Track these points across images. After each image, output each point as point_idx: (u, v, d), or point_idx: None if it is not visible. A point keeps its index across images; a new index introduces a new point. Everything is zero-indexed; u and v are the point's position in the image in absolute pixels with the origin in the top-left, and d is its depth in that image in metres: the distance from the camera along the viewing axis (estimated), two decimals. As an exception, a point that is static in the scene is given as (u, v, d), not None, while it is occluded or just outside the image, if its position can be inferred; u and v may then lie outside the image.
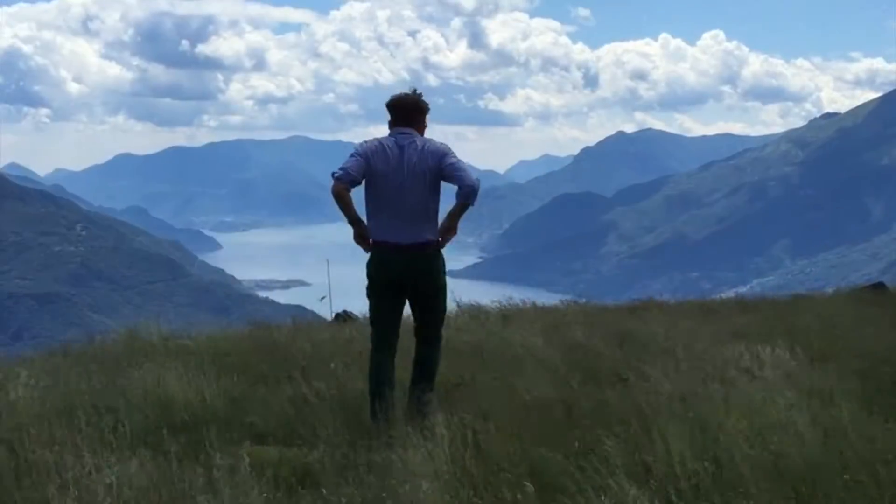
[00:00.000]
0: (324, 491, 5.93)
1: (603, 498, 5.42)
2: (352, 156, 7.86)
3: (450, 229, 7.93)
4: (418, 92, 8.13)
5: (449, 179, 7.76)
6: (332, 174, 7.78)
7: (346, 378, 8.83)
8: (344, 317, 14.86)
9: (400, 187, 7.73)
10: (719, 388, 7.25)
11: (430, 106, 8.16)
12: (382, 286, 8.00)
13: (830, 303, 15.23)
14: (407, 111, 7.99)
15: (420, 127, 8.02)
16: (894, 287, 17.50)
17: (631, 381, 8.34)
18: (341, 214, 7.90)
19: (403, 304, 8.15)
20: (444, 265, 8.08)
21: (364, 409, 7.61)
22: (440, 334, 8.35)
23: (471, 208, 7.84)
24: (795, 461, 5.69)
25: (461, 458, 6.02)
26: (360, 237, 8.01)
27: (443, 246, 7.98)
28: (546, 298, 19.08)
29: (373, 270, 7.99)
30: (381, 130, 8.05)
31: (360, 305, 16.23)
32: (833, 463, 5.73)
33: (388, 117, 8.07)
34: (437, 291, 8.10)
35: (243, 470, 6.11)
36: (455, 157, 7.81)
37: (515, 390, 7.78)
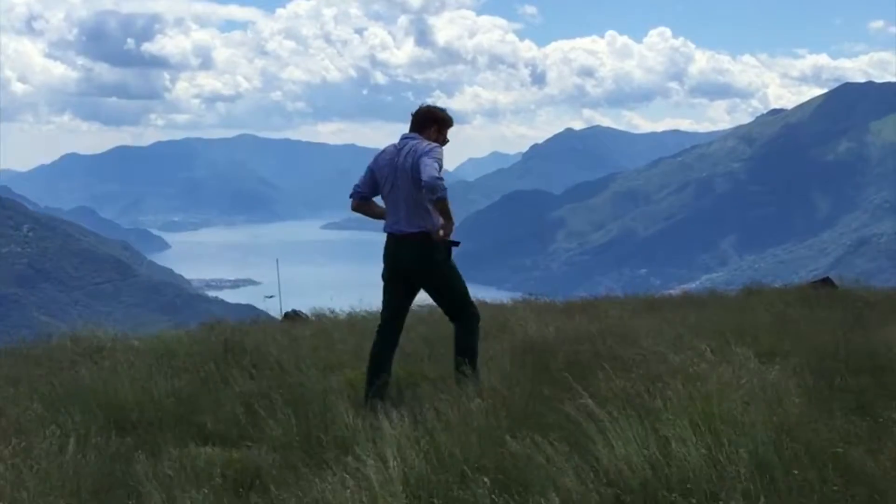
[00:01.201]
0: (272, 491, 5.89)
1: (554, 495, 5.41)
2: (365, 172, 8.84)
3: (443, 224, 8.44)
4: (439, 107, 8.99)
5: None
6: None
7: (296, 377, 8.77)
8: (293, 315, 14.82)
9: (393, 184, 8.50)
10: (668, 384, 7.25)
11: (450, 119, 8.96)
12: (387, 274, 8.81)
13: (779, 298, 15.31)
14: (416, 120, 8.80)
15: (428, 134, 8.67)
16: (842, 283, 17.63)
17: (581, 379, 8.34)
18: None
19: (406, 294, 8.82)
20: (439, 253, 8.52)
21: (313, 408, 7.56)
22: (466, 313, 8.79)
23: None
24: (744, 457, 5.71)
25: (412, 457, 5.99)
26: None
27: (447, 235, 8.49)
28: (496, 296, 19.11)
29: (383, 260, 8.79)
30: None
31: (309, 304, 16.21)
32: (781, 458, 5.75)
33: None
34: (435, 275, 8.61)
35: (191, 470, 6.06)
36: (431, 155, 8.24)
37: (466, 388, 7.75)
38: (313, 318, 14.72)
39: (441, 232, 8.43)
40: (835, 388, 7.76)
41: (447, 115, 8.98)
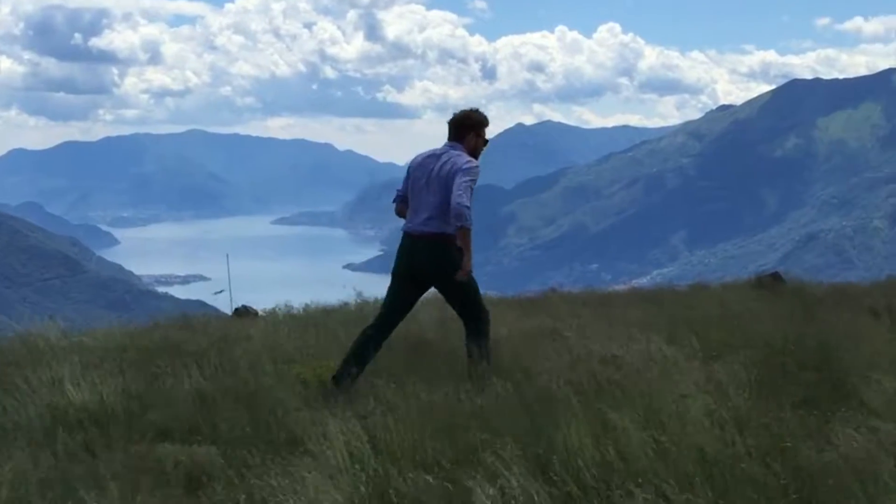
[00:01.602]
0: (223, 486, 5.87)
1: (504, 491, 5.43)
2: (405, 174, 9.07)
3: (464, 253, 8.54)
4: (473, 109, 9.16)
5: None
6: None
7: (247, 373, 8.74)
8: (244, 311, 14.75)
9: (425, 188, 8.72)
10: (617, 378, 7.30)
11: (486, 119, 9.18)
12: (397, 270, 8.94)
13: (728, 293, 15.44)
14: (454, 128, 8.97)
15: (468, 141, 8.92)
16: (790, 277, 17.79)
17: (531, 373, 8.37)
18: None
19: (413, 293, 9.02)
20: (454, 257, 8.56)
21: (264, 404, 7.54)
22: (475, 315, 8.92)
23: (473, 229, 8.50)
24: (692, 451, 5.75)
25: (358, 454, 5.99)
26: None
27: (466, 269, 8.54)
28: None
29: (397, 257, 8.98)
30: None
31: (260, 300, 16.15)
32: (729, 452, 5.80)
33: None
34: (450, 277, 8.63)
35: (141, 467, 6.02)
36: (467, 175, 8.50)
37: (413, 385, 7.76)
38: (264, 313, 14.65)
39: (461, 271, 8.55)
40: (783, 382, 7.81)
41: (482, 115, 9.16)
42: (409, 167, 9.06)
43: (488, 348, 8.84)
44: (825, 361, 8.48)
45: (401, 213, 9.12)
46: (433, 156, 8.85)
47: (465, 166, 8.55)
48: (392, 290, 9.02)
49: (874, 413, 6.70)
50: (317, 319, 12.83)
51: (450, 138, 8.96)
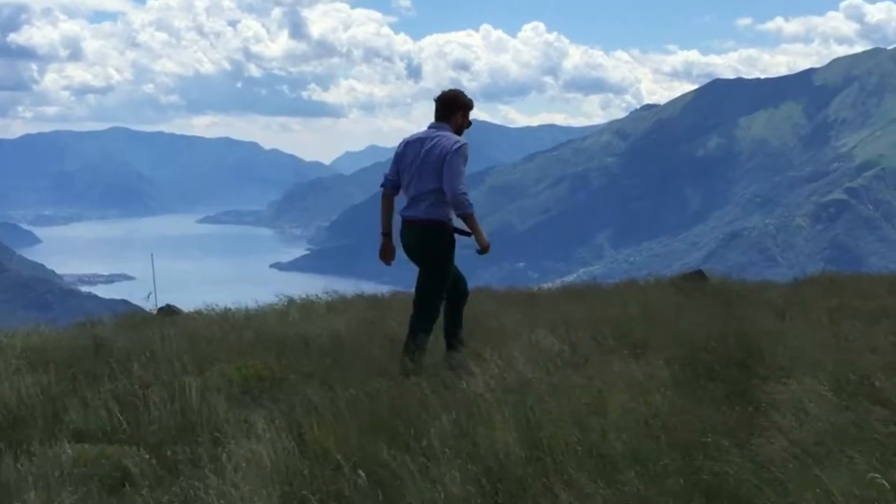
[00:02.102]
0: (144, 490, 5.82)
1: (433, 486, 5.44)
2: (392, 160, 9.27)
3: (479, 239, 9.05)
4: (460, 90, 9.32)
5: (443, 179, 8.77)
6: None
7: (171, 373, 8.67)
8: (168, 310, 14.64)
9: (413, 174, 8.97)
10: (542, 376, 7.34)
11: (472, 102, 9.32)
12: (405, 253, 9.31)
13: (652, 291, 15.56)
14: (442, 105, 9.17)
15: (454, 119, 9.13)
16: (714, 275, 17.98)
17: (458, 371, 8.38)
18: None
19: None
20: (442, 243, 9.06)
21: (188, 404, 7.48)
22: (418, 308, 9.29)
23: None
24: (615, 447, 5.80)
25: (285, 453, 5.98)
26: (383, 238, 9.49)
27: (485, 250, 9.06)
28: (375, 289, 19.10)
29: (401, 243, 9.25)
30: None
31: (185, 299, 16.03)
32: (652, 448, 5.86)
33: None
34: (428, 262, 9.15)
35: (61, 468, 5.96)
36: (458, 159, 8.78)
37: (340, 382, 7.75)
38: (188, 312, 14.54)
39: (479, 249, 9.04)
40: (705, 379, 7.89)
41: (469, 98, 9.33)
42: (396, 152, 9.24)
43: (421, 334, 9.10)
44: (747, 358, 8.59)
45: (386, 200, 9.39)
46: (419, 140, 9.02)
47: (454, 148, 8.76)
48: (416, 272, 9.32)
49: (792, 409, 6.79)
50: (241, 318, 12.76)
51: (437, 117, 9.15)
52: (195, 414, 7.27)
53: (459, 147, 8.82)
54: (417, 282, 9.34)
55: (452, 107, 9.18)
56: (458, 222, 9.12)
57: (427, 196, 8.93)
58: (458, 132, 9.15)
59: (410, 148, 9.07)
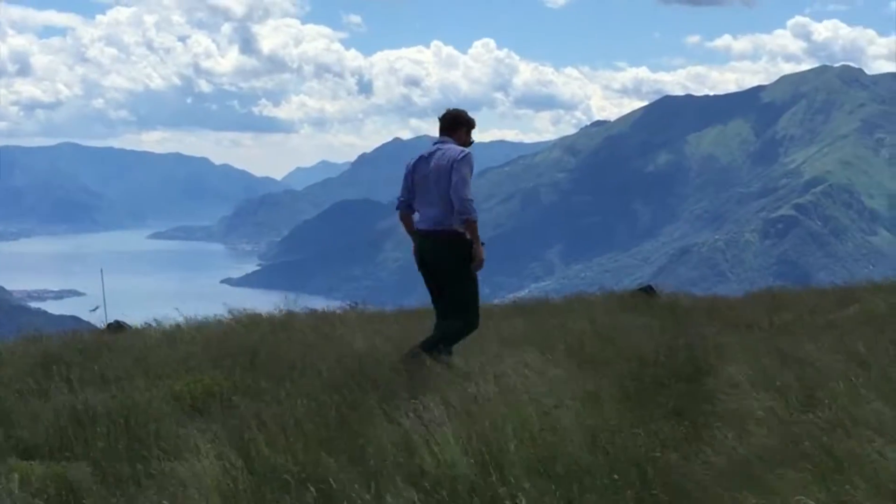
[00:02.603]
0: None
1: (380, 501, 5.43)
2: (403, 180, 9.65)
3: (475, 250, 9.41)
4: (463, 110, 9.78)
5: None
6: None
7: (119, 388, 8.61)
8: (117, 326, 14.53)
9: (426, 188, 9.37)
10: (491, 390, 7.34)
11: (473, 121, 9.78)
12: (418, 265, 9.66)
13: (602, 306, 15.62)
14: (447, 123, 9.66)
15: (458, 136, 9.59)
16: (663, 290, 18.08)
17: (407, 386, 8.37)
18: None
19: (440, 283, 9.58)
20: (461, 253, 9.34)
21: (137, 420, 7.43)
22: (459, 314, 9.46)
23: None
24: (564, 462, 5.81)
25: (231, 469, 5.95)
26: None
27: (478, 260, 9.43)
28: (326, 305, 19.03)
29: (414, 255, 9.66)
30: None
31: (134, 314, 15.90)
32: (601, 463, 5.88)
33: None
34: (451, 274, 9.39)
35: (9, 485, 5.90)
36: (464, 167, 9.18)
37: (289, 397, 7.73)
38: (137, 328, 14.44)
39: (474, 262, 9.40)
40: (654, 393, 7.93)
41: (472, 118, 9.79)
42: (406, 172, 9.62)
43: (449, 340, 9.39)
44: (695, 373, 8.65)
45: (404, 219, 9.82)
46: (425, 157, 9.48)
47: (459, 157, 9.21)
48: (427, 285, 9.75)
49: (739, 424, 6.84)
50: (190, 334, 12.67)
51: (441, 133, 9.63)
52: (143, 430, 7.21)
53: (465, 155, 9.28)
54: (449, 298, 9.53)
55: (457, 123, 9.65)
56: None
57: (439, 208, 9.31)
58: (459, 143, 9.56)
59: (419, 164, 9.50)
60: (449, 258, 9.37)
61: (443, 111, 9.73)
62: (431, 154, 9.45)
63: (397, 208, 9.82)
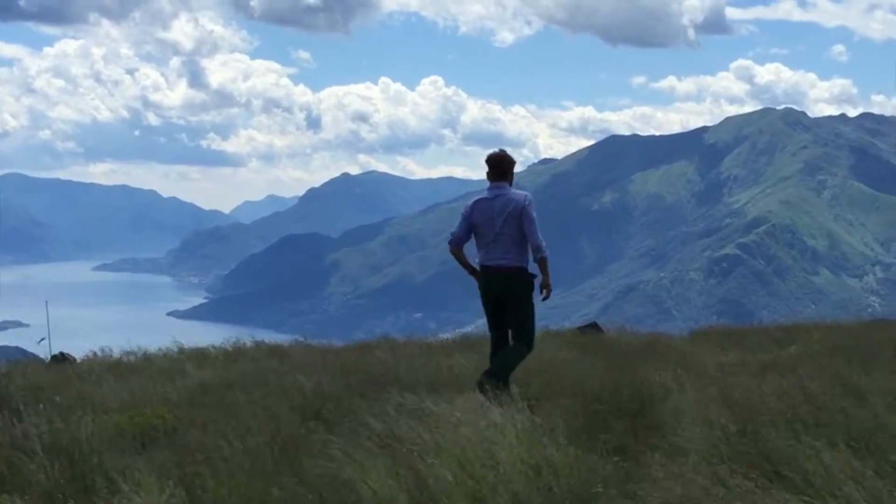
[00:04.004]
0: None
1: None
2: (460, 220, 10.39)
3: (545, 281, 10.26)
4: (504, 150, 10.57)
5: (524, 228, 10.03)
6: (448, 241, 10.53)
7: (61, 420, 8.54)
8: (61, 358, 14.45)
9: (491, 228, 10.11)
10: (433, 426, 7.38)
11: (514, 160, 10.57)
12: (484, 299, 10.46)
13: (548, 343, 15.68)
14: (499, 166, 10.35)
15: (511, 177, 10.42)
16: (608, 327, 18.21)
17: (344, 423, 8.39)
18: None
19: (499, 312, 10.40)
20: (528, 286, 10.16)
21: (81, 452, 7.39)
22: (524, 339, 10.26)
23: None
24: (505, 498, 5.85)
25: (177, 501, 5.95)
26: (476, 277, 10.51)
27: (547, 289, 10.25)
28: (273, 339, 19.00)
29: (480, 289, 10.43)
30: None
31: (80, 347, 15.81)
32: (543, 499, 5.92)
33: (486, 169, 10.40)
34: (519, 303, 10.18)
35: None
36: (532, 211, 10.07)
37: (234, 431, 7.73)
38: (81, 360, 14.36)
39: (544, 291, 10.21)
40: (598, 429, 7.99)
41: (513, 157, 10.58)
42: (466, 213, 10.34)
43: (513, 368, 10.17)
44: (639, 409, 8.73)
45: (456, 254, 10.50)
46: (486, 199, 10.25)
47: (527, 202, 10.09)
48: (488, 315, 10.54)
49: (683, 460, 6.92)
50: (136, 367, 12.63)
51: (493, 177, 10.33)
52: (86, 463, 7.18)
53: (531, 200, 10.18)
54: (517, 324, 10.29)
55: (508, 165, 10.42)
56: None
57: (506, 245, 10.07)
58: (510, 184, 10.38)
59: (480, 205, 10.26)
60: (519, 290, 10.14)
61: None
62: (493, 198, 10.19)
63: (450, 242, 10.49)
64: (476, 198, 10.47)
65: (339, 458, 6.75)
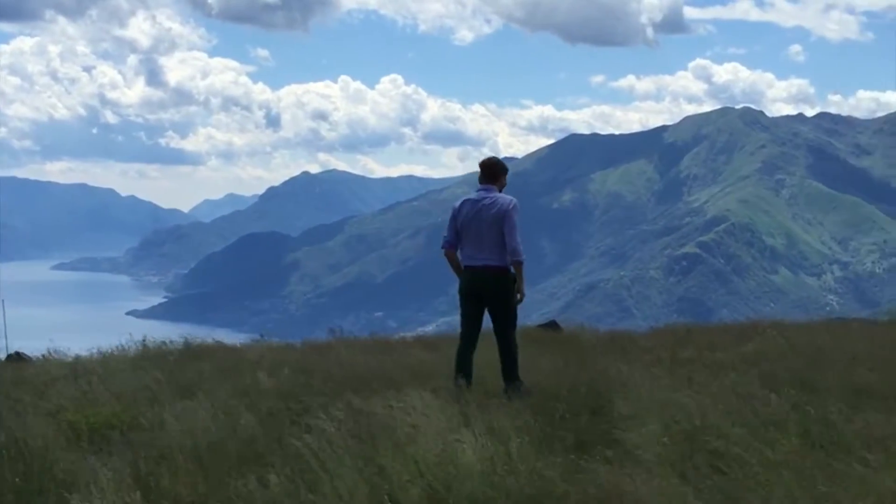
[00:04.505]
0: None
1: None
2: (448, 223, 10.83)
3: (519, 286, 10.75)
4: (496, 157, 11.12)
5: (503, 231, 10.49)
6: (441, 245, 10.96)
7: (15, 421, 8.47)
8: (17, 358, 14.34)
9: (476, 229, 10.54)
10: (391, 425, 7.37)
11: (507, 167, 11.12)
12: (464, 296, 10.79)
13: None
14: (490, 171, 10.87)
15: (500, 182, 10.89)
16: (568, 325, 18.24)
17: (306, 419, 8.37)
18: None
19: (479, 310, 10.79)
20: (509, 286, 10.65)
21: (34, 452, 7.34)
22: (509, 333, 10.83)
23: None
24: (462, 496, 5.86)
25: (129, 501, 5.92)
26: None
27: (520, 293, 10.80)
28: (233, 338, 18.93)
29: (461, 286, 10.81)
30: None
31: (36, 346, 15.70)
32: (500, 497, 5.93)
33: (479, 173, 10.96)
34: (502, 302, 10.68)
35: None
36: (514, 215, 10.55)
37: (190, 429, 7.69)
38: (37, 359, 14.25)
39: (518, 296, 10.73)
40: (556, 427, 8.01)
41: (506, 164, 11.13)
42: (453, 215, 10.80)
43: (517, 357, 10.85)
44: (596, 407, 8.76)
45: (450, 257, 10.91)
46: (473, 200, 10.71)
47: (510, 206, 10.56)
48: (464, 311, 10.85)
49: (639, 457, 6.95)
50: (92, 366, 12.54)
51: (484, 180, 10.82)
52: (39, 463, 7.13)
53: (515, 205, 10.60)
54: (499, 322, 10.80)
55: (499, 171, 10.90)
56: None
57: (489, 246, 10.50)
58: (501, 191, 10.83)
59: (466, 206, 10.68)
60: (501, 289, 10.60)
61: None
62: (479, 200, 10.65)
63: (443, 247, 10.93)
64: (463, 198, 10.88)
65: (297, 457, 6.74)
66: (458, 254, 10.89)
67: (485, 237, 10.52)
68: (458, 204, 10.87)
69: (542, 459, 6.76)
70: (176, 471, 6.41)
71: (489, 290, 10.65)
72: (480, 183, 10.89)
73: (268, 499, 5.99)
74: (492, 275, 10.58)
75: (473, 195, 10.80)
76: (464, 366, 10.65)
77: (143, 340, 14.79)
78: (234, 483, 6.19)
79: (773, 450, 6.67)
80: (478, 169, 11.00)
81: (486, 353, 11.77)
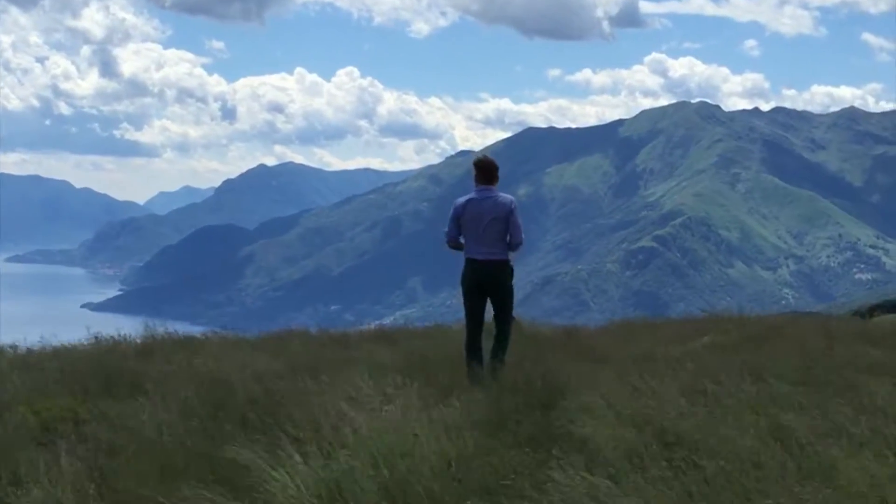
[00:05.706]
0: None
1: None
2: (450, 220, 11.49)
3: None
4: (491, 159, 11.70)
5: (509, 229, 11.33)
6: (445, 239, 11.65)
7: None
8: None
9: (480, 226, 11.25)
10: (348, 418, 7.36)
11: (498, 165, 11.69)
12: (468, 288, 11.46)
13: (461, 335, 15.69)
14: (486, 171, 11.50)
15: (496, 181, 11.53)
16: (524, 319, 18.27)
17: (257, 412, 8.35)
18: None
19: (484, 301, 11.49)
20: (511, 276, 11.60)
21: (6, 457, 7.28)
22: (508, 319, 11.68)
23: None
24: (416, 490, 5.86)
25: (84, 493, 5.89)
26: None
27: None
28: (189, 331, 18.83)
29: (464, 278, 11.47)
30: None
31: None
32: (455, 490, 5.94)
33: (473, 172, 11.61)
34: (504, 291, 11.54)
35: None
36: (516, 213, 11.34)
37: (145, 423, 7.66)
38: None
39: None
40: (510, 421, 8.02)
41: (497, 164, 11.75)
42: (456, 212, 11.43)
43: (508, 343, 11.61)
44: (550, 401, 8.78)
45: (454, 246, 11.56)
46: (475, 199, 11.35)
47: (513, 206, 11.36)
48: (468, 303, 11.50)
49: (592, 452, 6.98)
50: (45, 360, 12.46)
51: (482, 180, 11.50)
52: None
53: (516, 206, 11.39)
54: (502, 310, 11.57)
55: (494, 170, 11.53)
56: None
57: (492, 241, 11.25)
58: (495, 187, 11.51)
59: (470, 205, 11.32)
60: (504, 279, 11.45)
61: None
62: (482, 199, 11.32)
63: (448, 241, 11.60)
64: (466, 198, 11.43)
65: (251, 451, 6.73)
66: (466, 247, 11.46)
67: (488, 233, 11.25)
68: (461, 203, 11.45)
69: (496, 453, 6.77)
70: (128, 465, 6.37)
71: (492, 280, 11.39)
72: (477, 181, 11.53)
73: (220, 494, 5.96)
74: (494, 267, 11.33)
75: (475, 194, 11.40)
76: (474, 352, 11.37)
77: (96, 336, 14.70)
78: (186, 478, 6.15)
79: (727, 441, 6.72)
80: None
81: (437, 349, 11.80)
